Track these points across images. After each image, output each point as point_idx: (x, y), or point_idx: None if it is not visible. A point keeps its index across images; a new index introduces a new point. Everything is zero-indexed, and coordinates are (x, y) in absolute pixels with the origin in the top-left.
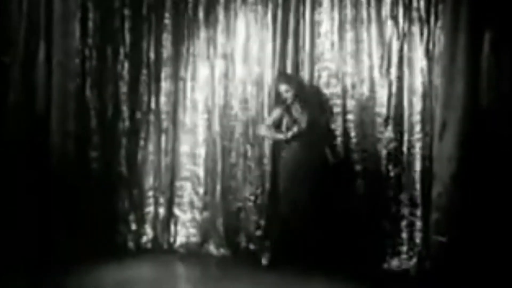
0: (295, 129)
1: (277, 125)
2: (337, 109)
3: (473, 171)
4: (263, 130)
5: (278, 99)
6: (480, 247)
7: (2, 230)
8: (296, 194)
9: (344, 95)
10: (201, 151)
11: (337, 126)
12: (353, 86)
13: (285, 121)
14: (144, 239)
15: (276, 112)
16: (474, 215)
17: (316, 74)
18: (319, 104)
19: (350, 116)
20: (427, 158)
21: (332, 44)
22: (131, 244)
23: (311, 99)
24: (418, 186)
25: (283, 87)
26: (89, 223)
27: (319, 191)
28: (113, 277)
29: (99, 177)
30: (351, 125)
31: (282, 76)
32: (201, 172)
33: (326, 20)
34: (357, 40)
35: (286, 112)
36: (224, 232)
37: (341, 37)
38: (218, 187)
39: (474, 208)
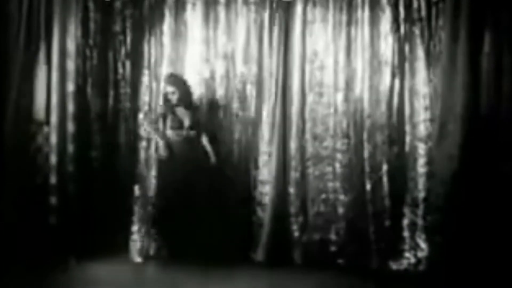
0: (178, 129)
1: (162, 122)
2: (333, 110)
3: (473, 171)
4: (146, 125)
5: (165, 98)
6: (479, 246)
7: (3, 231)
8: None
9: (342, 95)
10: None
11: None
12: (352, 87)
13: (169, 120)
14: (143, 238)
15: (160, 110)
16: (473, 215)
17: (312, 74)
18: (210, 108)
19: (349, 117)
20: (426, 158)
21: (331, 44)
22: (130, 244)
23: (196, 103)
24: (417, 186)
25: (169, 89)
26: (88, 223)
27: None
28: (111, 277)
29: (99, 177)
30: (351, 126)
31: (170, 77)
32: None
33: (324, 20)
34: (356, 40)
35: (171, 113)
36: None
37: (340, 37)
38: None
39: (474, 208)
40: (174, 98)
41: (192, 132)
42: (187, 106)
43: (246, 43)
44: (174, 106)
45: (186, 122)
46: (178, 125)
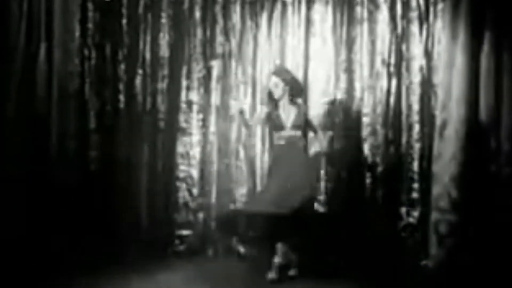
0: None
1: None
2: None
3: (472, 171)
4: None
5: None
6: (480, 247)
7: (3, 231)
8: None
9: (341, 95)
10: (196, 152)
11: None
12: (351, 86)
13: (270, 120)
14: (140, 239)
15: (263, 109)
16: (472, 215)
17: (311, 74)
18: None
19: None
20: (426, 158)
21: (329, 43)
22: (127, 245)
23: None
24: (417, 186)
25: (273, 80)
26: (86, 223)
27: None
28: (110, 279)
29: (97, 177)
30: (352, 126)
31: (274, 68)
32: (195, 173)
33: (323, 19)
34: (355, 39)
35: (273, 110)
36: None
37: (339, 36)
38: (213, 188)
39: (472, 208)
40: (277, 91)
41: (297, 133)
42: (292, 101)
43: (242, 42)
44: (278, 101)
45: (290, 121)
46: (280, 125)
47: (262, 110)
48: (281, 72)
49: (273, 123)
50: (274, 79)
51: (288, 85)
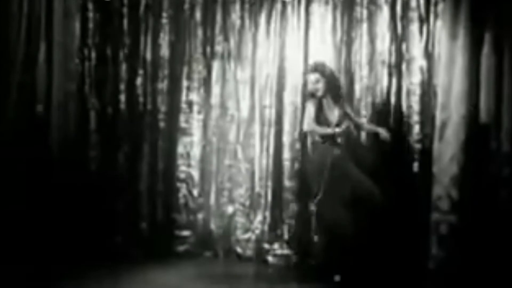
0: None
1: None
2: None
3: (473, 172)
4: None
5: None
6: (481, 247)
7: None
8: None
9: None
10: (196, 152)
11: None
12: (351, 86)
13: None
14: (140, 240)
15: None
16: (472, 216)
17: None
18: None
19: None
20: (426, 158)
21: (329, 43)
22: (127, 245)
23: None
24: (418, 186)
25: (312, 77)
26: (86, 223)
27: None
28: (108, 280)
29: (97, 177)
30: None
31: (312, 64)
32: (195, 173)
33: (323, 19)
34: (355, 39)
35: (317, 108)
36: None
37: (339, 36)
38: (213, 189)
39: (472, 209)
40: (319, 87)
41: (340, 131)
42: (335, 98)
43: (242, 42)
44: (321, 98)
45: (334, 119)
46: (325, 124)
47: (309, 109)
48: (318, 66)
49: (321, 123)
50: (313, 75)
51: (328, 81)
